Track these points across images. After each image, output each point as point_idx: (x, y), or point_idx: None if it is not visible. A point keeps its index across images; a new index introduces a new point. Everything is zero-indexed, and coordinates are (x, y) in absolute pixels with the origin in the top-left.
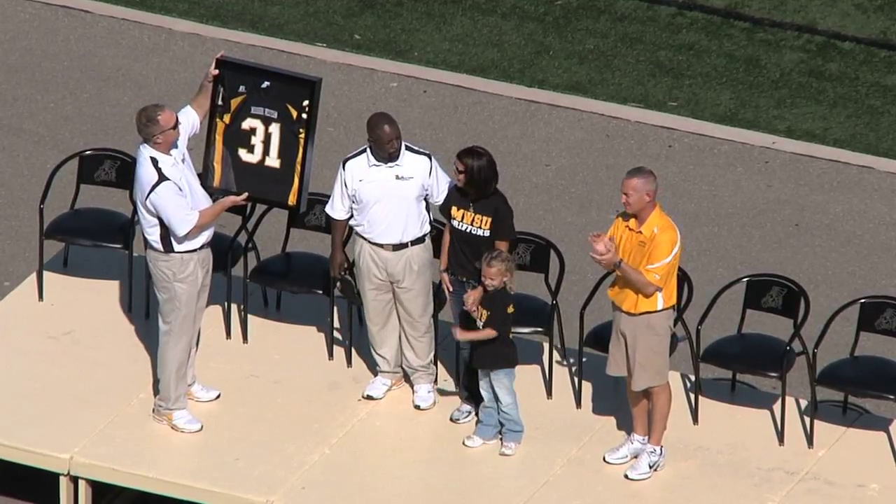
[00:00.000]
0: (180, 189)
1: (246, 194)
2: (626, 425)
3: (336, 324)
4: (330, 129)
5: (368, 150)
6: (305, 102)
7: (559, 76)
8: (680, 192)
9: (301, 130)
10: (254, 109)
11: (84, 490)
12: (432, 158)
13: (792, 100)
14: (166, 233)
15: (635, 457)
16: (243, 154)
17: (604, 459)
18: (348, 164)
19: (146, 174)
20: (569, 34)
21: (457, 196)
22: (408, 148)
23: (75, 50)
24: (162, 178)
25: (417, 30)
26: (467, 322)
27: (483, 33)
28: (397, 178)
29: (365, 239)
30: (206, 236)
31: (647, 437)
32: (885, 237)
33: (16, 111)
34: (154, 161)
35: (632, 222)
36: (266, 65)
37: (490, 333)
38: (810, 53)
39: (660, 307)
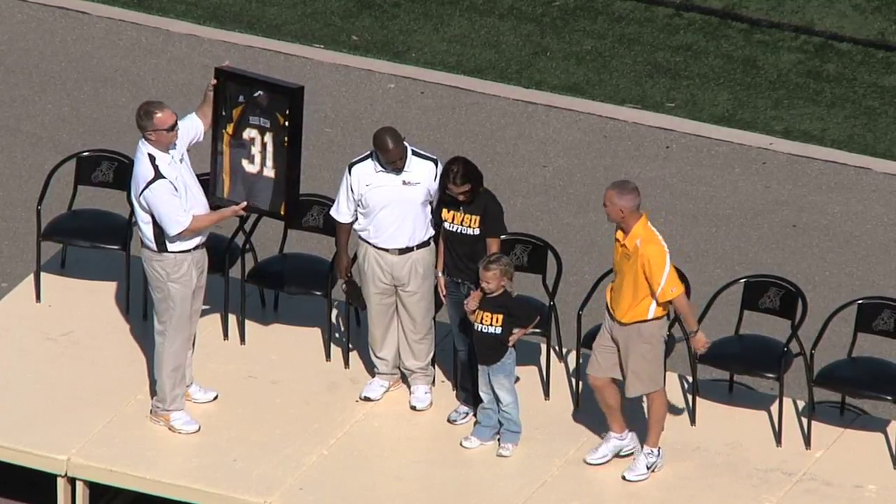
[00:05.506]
0: (175, 189)
1: (244, 203)
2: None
3: (334, 325)
4: (328, 129)
5: (374, 155)
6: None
7: (557, 77)
8: (678, 193)
9: (286, 139)
10: (251, 119)
11: (81, 491)
12: (438, 164)
13: (789, 101)
14: (160, 231)
15: (617, 454)
16: (246, 165)
17: (584, 461)
18: (354, 168)
19: (143, 170)
20: (566, 35)
21: (446, 198)
22: (414, 153)
23: (73, 51)
24: (158, 175)
25: (415, 31)
26: (466, 327)
27: (480, 34)
28: (404, 183)
29: (370, 244)
30: (199, 237)
31: (623, 434)
32: (882, 238)
33: (13, 112)
34: (151, 158)
35: (618, 234)
36: (257, 73)
37: (527, 325)
38: (808, 54)
39: (650, 316)
